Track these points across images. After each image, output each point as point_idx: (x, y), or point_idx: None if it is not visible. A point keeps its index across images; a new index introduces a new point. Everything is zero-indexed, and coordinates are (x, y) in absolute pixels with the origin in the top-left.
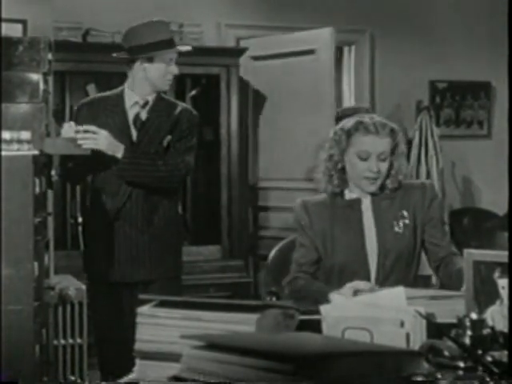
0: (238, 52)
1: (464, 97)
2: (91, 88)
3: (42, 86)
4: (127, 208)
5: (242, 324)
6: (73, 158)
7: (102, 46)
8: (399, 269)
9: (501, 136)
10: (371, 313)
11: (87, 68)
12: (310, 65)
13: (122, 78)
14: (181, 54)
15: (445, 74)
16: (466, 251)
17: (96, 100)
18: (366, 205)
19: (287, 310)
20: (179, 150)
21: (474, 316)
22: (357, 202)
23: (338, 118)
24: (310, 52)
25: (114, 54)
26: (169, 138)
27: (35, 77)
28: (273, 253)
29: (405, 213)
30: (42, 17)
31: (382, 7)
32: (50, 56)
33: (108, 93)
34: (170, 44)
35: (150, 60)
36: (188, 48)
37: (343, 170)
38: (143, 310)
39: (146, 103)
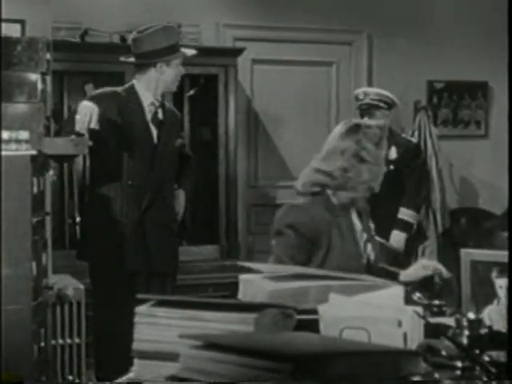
0: (236, 52)
1: (461, 97)
2: (89, 88)
3: (40, 86)
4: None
5: (240, 324)
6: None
7: (101, 46)
8: None
9: (498, 136)
10: (369, 312)
11: (85, 68)
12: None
13: (119, 77)
14: None
15: (442, 74)
16: (463, 251)
17: (108, 94)
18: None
19: (285, 310)
20: (187, 158)
21: (471, 316)
22: None
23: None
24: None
25: (122, 58)
26: (180, 140)
27: (33, 77)
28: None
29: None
30: (40, 17)
31: (380, 8)
32: (48, 56)
33: (115, 89)
34: (179, 47)
35: (168, 63)
36: (193, 51)
37: None
38: (141, 309)
39: (161, 103)
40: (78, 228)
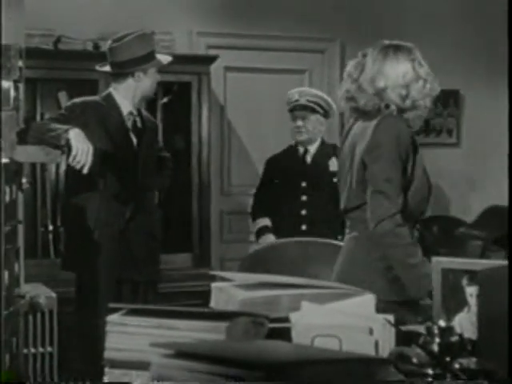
0: (210, 60)
1: (433, 105)
2: (62, 95)
3: (12, 94)
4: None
5: (211, 332)
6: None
7: (74, 53)
8: None
9: (470, 144)
10: (340, 320)
11: (59, 75)
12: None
13: (93, 85)
14: None
15: None
16: (434, 259)
17: (89, 103)
18: None
19: (257, 318)
20: (162, 160)
21: (442, 323)
22: None
23: None
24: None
25: (97, 67)
26: (158, 146)
27: (6, 84)
28: (245, 258)
29: None
30: (13, 24)
31: (353, 16)
32: (20, 63)
33: (95, 98)
34: (155, 55)
35: (145, 71)
36: (169, 58)
37: None
38: (112, 318)
39: (139, 112)
40: (50, 237)
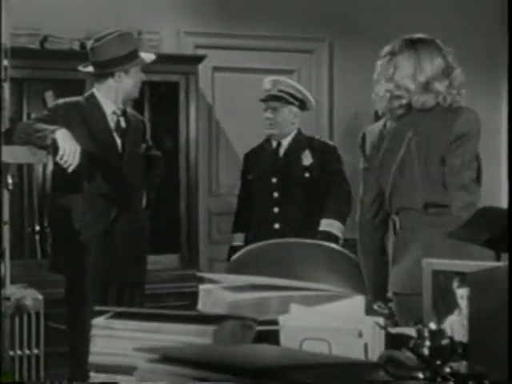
0: (197, 60)
1: None
2: (49, 95)
3: None
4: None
5: (198, 336)
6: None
7: (60, 52)
8: None
9: None
10: (329, 323)
11: (45, 75)
12: None
13: (80, 85)
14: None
15: None
16: (424, 261)
17: (72, 104)
18: None
19: (245, 321)
20: (151, 159)
21: (432, 326)
22: None
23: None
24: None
25: (80, 68)
26: (144, 146)
27: None
28: (232, 260)
29: None
30: None
31: (341, 16)
32: (6, 63)
33: (78, 98)
34: (138, 54)
35: (126, 71)
36: (153, 56)
37: None
38: (98, 321)
39: (123, 112)
40: (37, 237)
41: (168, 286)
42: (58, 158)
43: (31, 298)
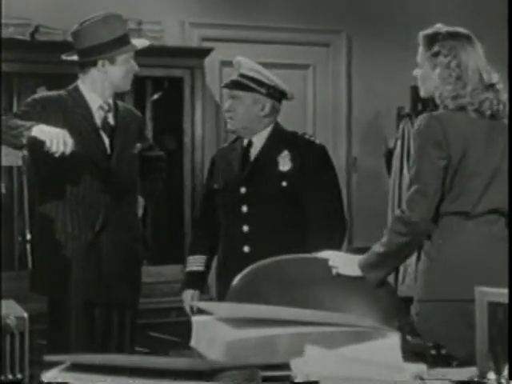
0: (204, 53)
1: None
2: (42, 91)
3: None
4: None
5: None
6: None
7: (53, 44)
8: None
9: None
10: (356, 371)
11: (37, 69)
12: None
13: (75, 79)
14: (141, 53)
15: None
16: (477, 290)
17: (51, 98)
18: None
19: (246, 372)
20: (151, 160)
21: (491, 376)
22: None
23: None
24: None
25: (64, 56)
26: (139, 145)
27: None
28: (235, 282)
29: None
30: None
31: (360, 6)
32: None
33: (59, 92)
34: (128, 40)
35: (111, 60)
36: (146, 42)
37: None
38: (48, 376)
39: (111, 107)
40: (28, 246)
41: (170, 299)
42: (47, 150)
43: (14, 316)
